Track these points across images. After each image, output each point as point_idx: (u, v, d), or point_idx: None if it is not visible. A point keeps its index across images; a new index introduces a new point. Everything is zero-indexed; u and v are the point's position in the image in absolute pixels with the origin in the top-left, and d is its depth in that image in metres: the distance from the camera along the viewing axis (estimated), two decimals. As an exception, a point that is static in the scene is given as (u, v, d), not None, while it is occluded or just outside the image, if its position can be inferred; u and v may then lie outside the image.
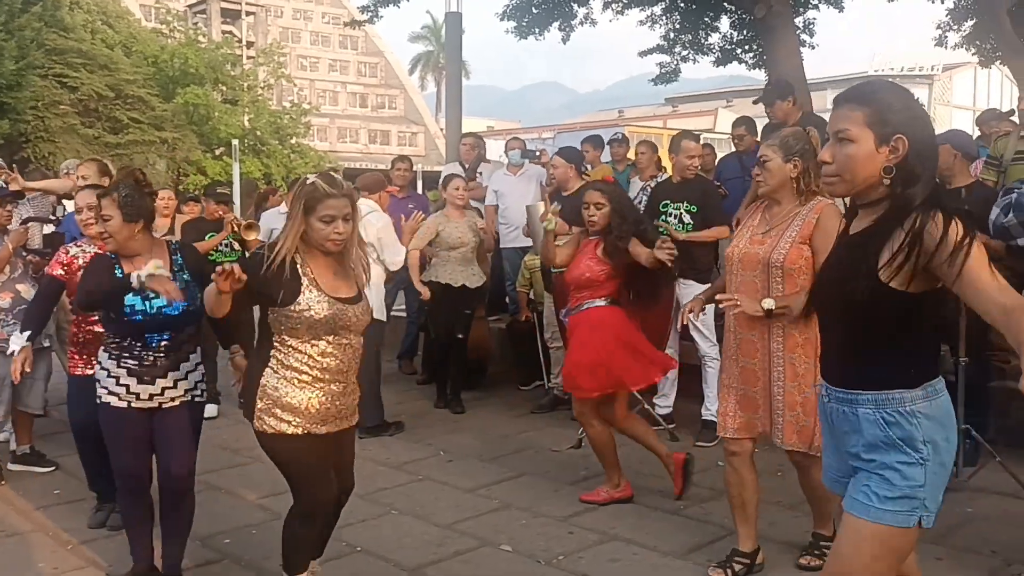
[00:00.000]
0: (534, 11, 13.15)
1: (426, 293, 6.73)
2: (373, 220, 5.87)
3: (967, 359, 4.70)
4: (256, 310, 3.19)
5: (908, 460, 2.11)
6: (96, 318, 4.00)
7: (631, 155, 9.16)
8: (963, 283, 2.00)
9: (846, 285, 2.15)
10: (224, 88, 32.82)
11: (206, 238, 6.66)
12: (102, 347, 3.67)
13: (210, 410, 6.65)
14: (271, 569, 3.82)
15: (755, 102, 7.00)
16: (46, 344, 5.37)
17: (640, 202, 6.93)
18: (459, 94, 11.91)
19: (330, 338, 3.10)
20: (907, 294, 2.07)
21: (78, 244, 4.39)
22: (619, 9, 13.34)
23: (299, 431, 3.09)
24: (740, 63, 13.87)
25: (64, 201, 6.53)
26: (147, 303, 3.50)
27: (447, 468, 5.40)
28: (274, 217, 7.45)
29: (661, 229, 5.84)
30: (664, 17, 13.64)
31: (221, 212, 6.80)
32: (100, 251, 3.94)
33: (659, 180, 6.50)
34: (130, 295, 3.46)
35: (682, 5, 13.32)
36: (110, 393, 3.56)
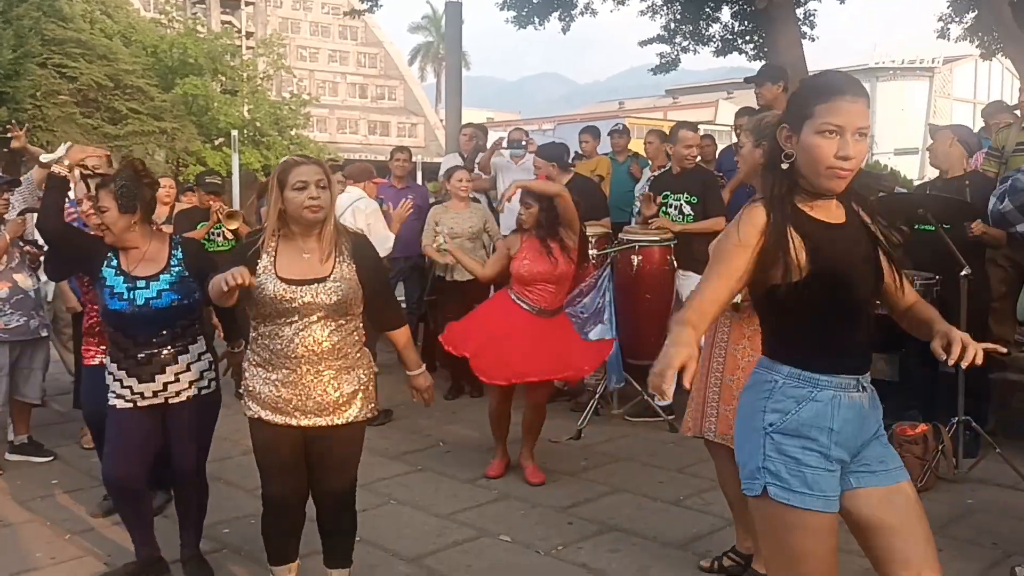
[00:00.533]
0: (534, 1, 13.11)
1: (438, 255, 6.59)
2: (362, 207, 5.86)
3: (967, 350, 4.67)
4: None
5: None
6: None
7: (632, 146, 9.14)
8: None
9: (872, 275, 2.21)
10: (223, 79, 32.74)
11: (197, 227, 6.67)
12: (107, 351, 3.68)
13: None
14: (270, 559, 3.82)
15: (746, 80, 6.96)
16: (44, 334, 5.36)
17: (642, 192, 6.93)
18: (459, 85, 11.86)
19: (281, 320, 3.01)
20: None
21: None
22: (620, -1, 13.30)
23: (256, 416, 3.11)
24: (741, 54, 13.83)
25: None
26: (132, 293, 3.46)
27: (446, 459, 5.40)
28: None
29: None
30: (665, 7, 13.60)
31: (210, 202, 6.80)
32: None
33: (661, 171, 6.48)
34: (110, 273, 3.49)
35: (683, -5, 13.30)
36: (116, 396, 3.56)
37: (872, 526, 2.18)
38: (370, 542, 4.06)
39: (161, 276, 3.53)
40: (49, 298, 6.24)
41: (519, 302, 4.85)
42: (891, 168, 14.39)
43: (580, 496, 4.66)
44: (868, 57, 44.55)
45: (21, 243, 5.27)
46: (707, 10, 13.41)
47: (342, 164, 8.96)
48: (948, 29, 14.26)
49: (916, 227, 5.04)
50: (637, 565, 3.80)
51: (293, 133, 34.48)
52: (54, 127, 24.58)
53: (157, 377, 3.53)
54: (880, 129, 27.79)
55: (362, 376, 3.18)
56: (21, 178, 5.69)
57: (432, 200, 8.32)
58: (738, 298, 3.25)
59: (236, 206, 7.24)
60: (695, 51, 14.05)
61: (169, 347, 3.53)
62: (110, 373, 3.58)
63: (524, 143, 7.56)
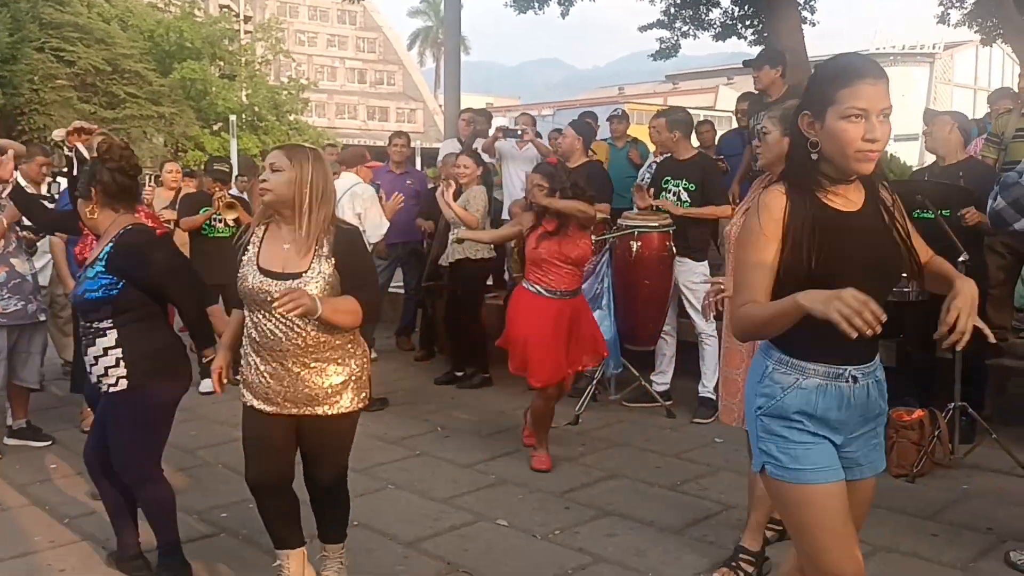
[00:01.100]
0: (533, -16, 13.06)
1: (458, 213, 6.55)
2: (359, 191, 5.85)
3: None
4: None
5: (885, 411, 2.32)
6: None
7: (632, 132, 9.12)
8: None
9: (892, 262, 2.20)
10: (222, 63, 32.66)
11: (200, 212, 6.66)
12: None
13: (206, 385, 6.68)
14: (267, 543, 3.81)
15: (744, 64, 6.93)
16: (43, 319, 5.36)
17: (644, 179, 6.92)
18: (458, 70, 11.81)
19: (263, 313, 3.00)
20: None
21: None
22: (619, -16, 13.25)
23: (250, 405, 3.14)
24: (741, 39, 13.77)
25: (59, 179, 6.50)
26: (82, 280, 3.45)
27: (444, 443, 5.41)
28: None
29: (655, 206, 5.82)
30: (665, -8, 13.56)
31: (217, 188, 6.79)
32: None
33: (665, 157, 6.46)
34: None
35: (683, -21, 13.25)
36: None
37: None
38: (368, 526, 4.07)
39: (95, 265, 3.44)
40: (45, 283, 6.25)
41: (539, 292, 4.72)
42: (891, 154, 14.34)
43: (577, 481, 4.67)
44: (868, 43, 44.43)
45: (17, 228, 5.26)
46: (707, -5, 13.37)
47: (342, 150, 8.95)
48: (948, 14, 14.21)
49: (915, 214, 5.04)
50: (634, 549, 3.82)
51: (292, 118, 34.42)
52: (51, 111, 24.54)
53: (91, 367, 3.48)
54: (880, 115, 27.69)
55: (354, 366, 3.13)
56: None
57: (430, 185, 8.31)
58: None
59: (234, 191, 7.22)
60: (695, 36, 14.00)
61: (87, 339, 3.45)
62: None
63: (520, 131, 7.55)
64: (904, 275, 2.30)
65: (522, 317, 4.75)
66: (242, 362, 3.16)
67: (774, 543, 3.71)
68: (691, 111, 6.84)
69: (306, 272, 2.96)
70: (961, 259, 4.57)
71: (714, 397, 5.82)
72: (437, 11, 54.80)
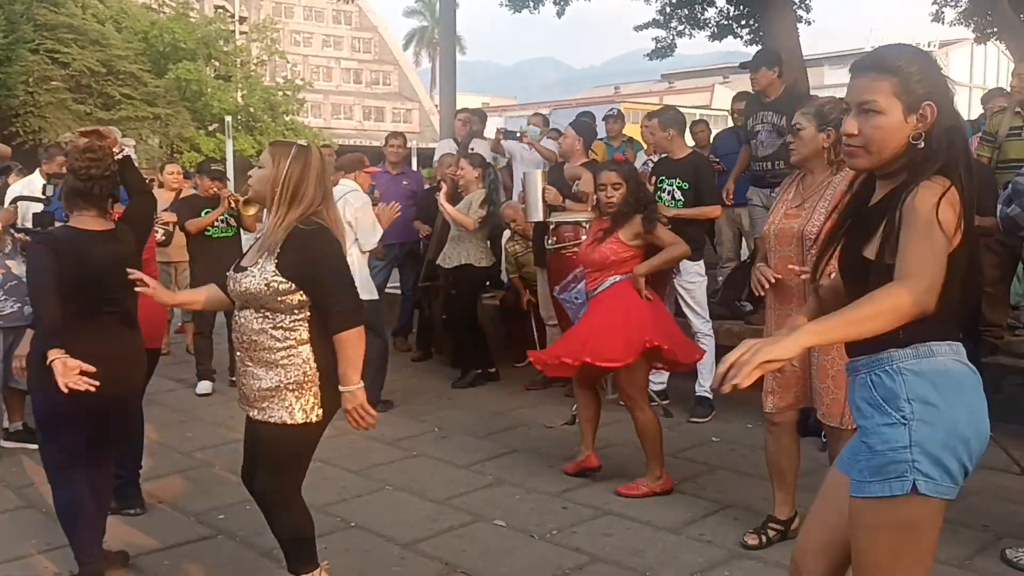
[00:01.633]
0: (528, -16, 13.05)
1: (453, 215, 6.55)
2: (352, 199, 5.86)
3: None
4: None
5: (889, 421, 2.00)
6: None
7: (627, 131, 9.12)
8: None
9: (853, 256, 2.13)
10: (217, 64, 32.62)
11: (202, 214, 6.63)
12: None
13: (204, 387, 6.69)
14: (265, 544, 3.83)
15: (741, 65, 6.93)
16: (38, 321, 5.35)
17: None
18: (454, 70, 11.80)
19: (236, 306, 3.07)
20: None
21: None
22: (614, -17, 13.25)
23: None
24: (736, 38, 13.78)
25: (55, 181, 6.47)
26: None
27: (441, 444, 5.41)
28: None
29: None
30: (660, -9, 13.56)
31: (216, 188, 6.75)
32: None
33: (662, 156, 6.47)
34: None
35: (678, -22, 13.25)
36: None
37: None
38: (365, 527, 4.07)
39: None
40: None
41: (616, 279, 4.53)
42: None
43: (574, 481, 4.67)
44: (864, 41, 44.44)
45: (13, 230, 5.25)
46: (702, -6, 13.38)
47: (338, 150, 8.94)
48: (943, 13, 14.24)
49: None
50: (631, 549, 3.82)
51: (288, 119, 34.38)
52: (46, 113, 24.50)
53: None
54: (876, 113, 27.74)
55: (290, 376, 2.94)
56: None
57: (427, 186, 8.31)
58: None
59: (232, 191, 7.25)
60: (690, 35, 14.00)
61: None
62: None
63: (518, 133, 7.57)
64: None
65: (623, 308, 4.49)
66: None
67: (776, 542, 3.72)
68: (687, 110, 6.86)
69: (249, 267, 2.98)
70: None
71: (711, 396, 5.83)
72: (432, 11, 54.78)
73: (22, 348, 3.77)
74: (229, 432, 5.56)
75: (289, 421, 2.94)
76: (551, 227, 6.03)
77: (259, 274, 2.92)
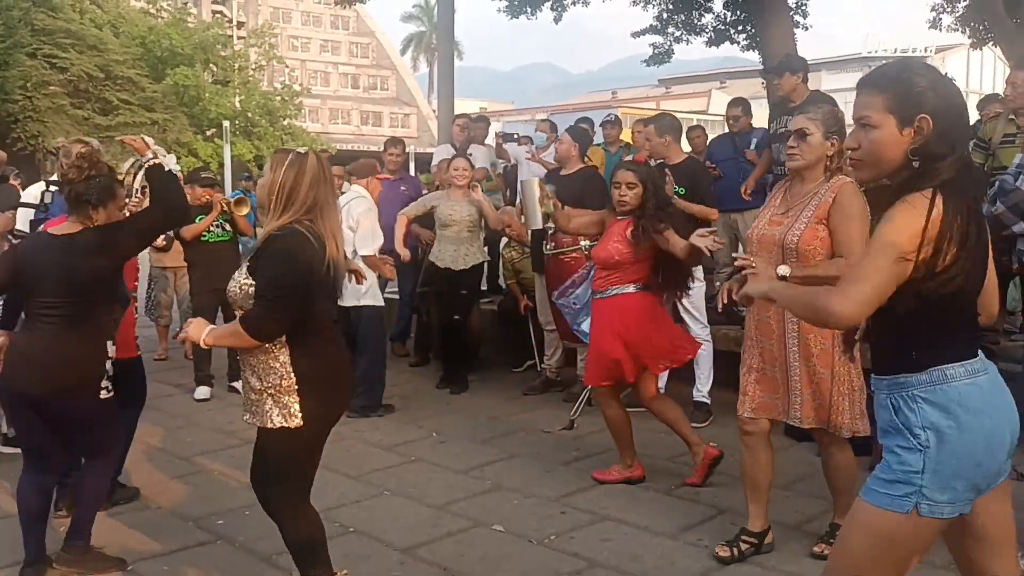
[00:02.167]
0: (525, -11, 13.06)
1: (405, 255, 6.69)
2: (355, 205, 5.89)
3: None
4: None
5: (907, 445, 2.09)
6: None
7: (624, 136, 9.15)
8: None
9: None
10: (215, 69, 32.64)
11: (196, 220, 6.64)
12: (110, 339, 3.67)
13: (202, 392, 6.69)
14: (264, 550, 3.84)
15: (764, 73, 6.95)
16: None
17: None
18: (451, 75, 11.84)
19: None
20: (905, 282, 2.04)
21: None
22: (610, -11, 13.25)
23: None
24: (733, 43, 13.81)
25: (52, 187, 6.48)
26: None
27: (439, 449, 5.42)
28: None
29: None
30: (657, -3, 13.59)
31: (208, 196, 6.77)
32: None
33: (658, 163, 6.48)
34: None
35: (675, -15, 13.27)
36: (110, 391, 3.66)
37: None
38: (364, 532, 4.08)
39: None
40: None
41: (622, 289, 4.56)
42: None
43: (572, 486, 4.68)
44: (860, 47, 44.60)
45: (11, 237, 5.25)
46: (699, 0, 13.40)
47: (336, 155, 8.94)
48: (940, 19, 14.28)
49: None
50: (629, 554, 3.83)
51: (285, 123, 34.40)
52: (44, 118, 24.50)
53: None
54: (872, 118, 27.80)
55: (269, 381, 2.94)
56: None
57: (424, 191, 8.33)
58: (785, 270, 2.95)
59: (229, 196, 7.26)
60: (688, 41, 14.02)
61: None
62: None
63: (515, 136, 7.59)
64: None
65: (635, 316, 4.57)
66: None
67: (748, 556, 3.71)
68: (684, 115, 6.88)
69: (237, 272, 3.02)
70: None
71: (708, 401, 5.85)
72: (430, 16, 54.88)
73: None
74: (228, 437, 5.57)
75: (269, 426, 2.96)
76: (549, 232, 6.05)
77: (238, 277, 2.98)
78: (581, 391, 6.00)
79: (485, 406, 6.43)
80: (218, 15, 41.92)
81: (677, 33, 13.88)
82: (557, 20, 13.76)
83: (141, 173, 3.68)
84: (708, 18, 13.76)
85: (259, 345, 2.91)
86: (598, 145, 8.69)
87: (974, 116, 7.74)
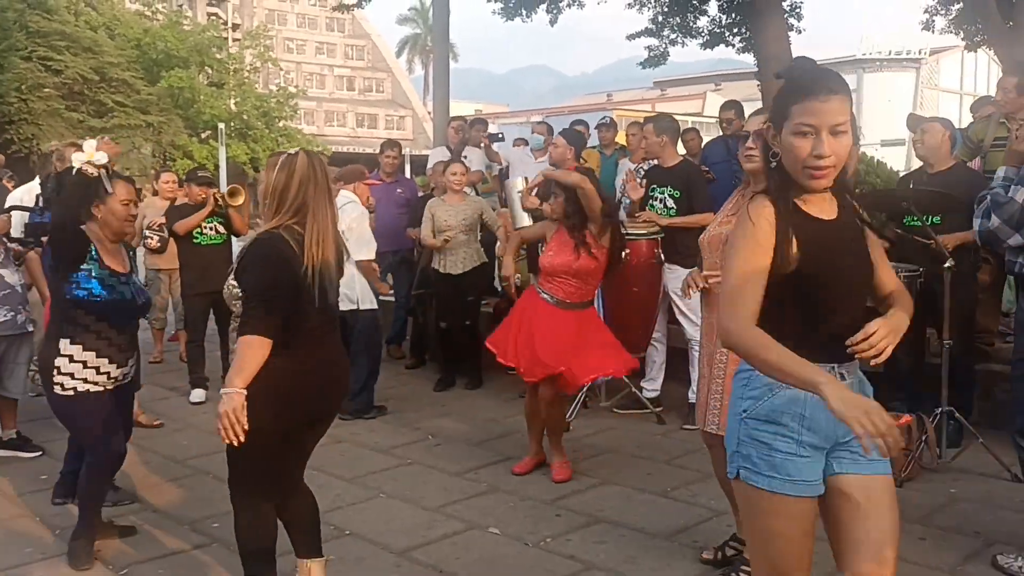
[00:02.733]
0: (520, -7, 13.08)
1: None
2: (348, 210, 5.90)
3: (951, 341, 4.73)
4: None
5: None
6: None
7: (619, 139, 9.16)
8: None
9: (861, 269, 2.27)
10: (210, 71, 32.58)
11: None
12: (66, 338, 3.71)
13: (197, 395, 6.68)
14: (259, 553, 3.83)
15: (777, 76, 6.95)
16: (30, 329, 5.35)
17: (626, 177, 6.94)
18: (447, 77, 11.85)
19: None
20: None
21: None
22: (606, -8, 13.29)
23: None
24: (728, 46, 13.83)
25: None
26: (121, 287, 3.77)
27: (435, 452, 5.42)
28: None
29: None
30: (652, 0, 13.60)
31: (204, 194, 6.72)
32: None
33: (652, 164, 6.50)
34: (94, 266, 3.73)
35: (670, -12, 13.29)
36: (88, 382, 3.72)
37: (843, 509, 2.22)
38: (359, 535, 4.08)
39: (131, 275, 3.90)
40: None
41: (542, 294, 4.82)
42: (878, 159, 14.42)
43: (568, 488, 4.68)
44: (855, 48, 44.67)
45: (6, 239, 5.25)
46: (694, 3, 13.41)
47: (331, 157, 8.94)
48: (933, 21, 14.30)
49: (905, 221, 5.08)
50: (624, 556, 3.83)
51: (281, 125, 34.34)
52: (39, 121, 24.42)
53: (129, 361, 3.90)
54: (867, 120, 27.83)
55: (262, 375, 2.92)
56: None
57: (420, 193, 8.34)
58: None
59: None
60: (683, 43, 14.05)
61: (135, 337, 3.94)
62: (80, 362, 3.71)
63: (500, 134, 7.62)
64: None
65: (527, 315, 4.83)
66: None
67: (734, 560, 3.70)
68: (679, 117, 6.87)
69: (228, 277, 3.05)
70: (947, 265, 4.61)
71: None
72: (425, 18, 54.79)
73: None
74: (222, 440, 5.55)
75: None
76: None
77: (229, 278, 3.02)
78: (576, 393, 5.99)
79: (480, 408, 6.43)
80: (213, 17, 41.84)
81: (672, 36, 13.90)
82: (552, 22, 13.78)
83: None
84: (703, 21, 13.79)
85: (265, 355, 2.88)
86: (593, 147, 8.70)
87: (967, 118, 7.76)
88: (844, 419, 1.91)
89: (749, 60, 13.36)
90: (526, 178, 6.45)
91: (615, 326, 5.87)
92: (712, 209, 6.04)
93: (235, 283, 2.96)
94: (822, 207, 2.22)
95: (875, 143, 28.65)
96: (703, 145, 8.57)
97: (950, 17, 13.99)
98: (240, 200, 6.55)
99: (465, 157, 8.09)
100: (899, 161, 20.66)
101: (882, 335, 2.11)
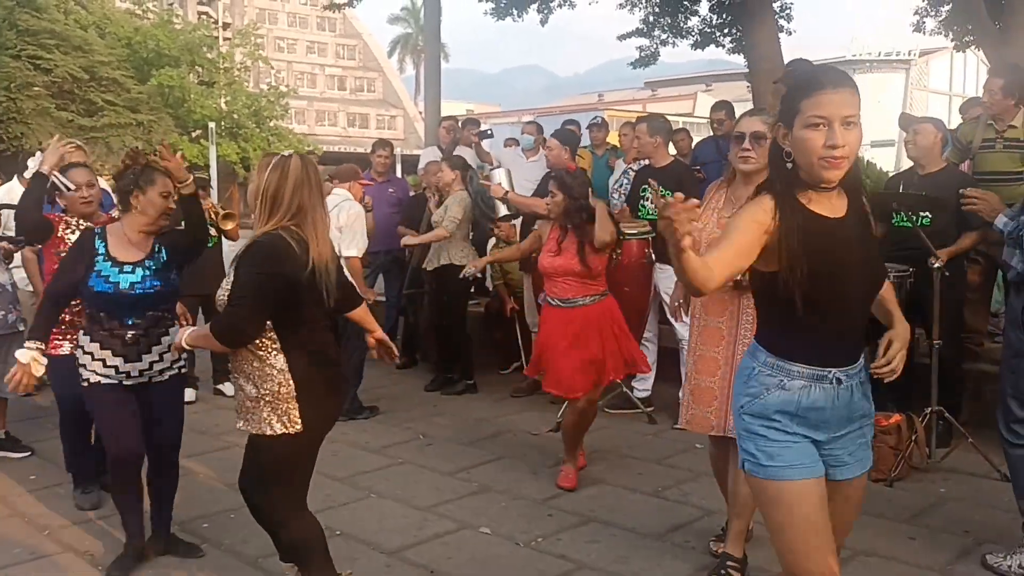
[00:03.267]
0: (511, -8, 13.08)
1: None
2: (346, 208, 5.90)
3: (941, 342, 4.75)
4: None
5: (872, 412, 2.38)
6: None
7: (611, 139, 9.16)
8: None
9: (879, 268, 2.33)
10: (200, 70, 32.49)
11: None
12: (82, 331, 3.71)
13: (187, 395, 6.65)
14: (249, 553, 3.83)
15: (776, 83, 6.97)
16: (21, 328, 5.32)
17: (621, 185, 6.96)
18: (438, 77, 11.87)
19: None
20: None
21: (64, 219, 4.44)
22: (597, -9, 13.28)
23: None
24: (719, 47, 13.87)
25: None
26: (118, 277, 3.62)
27: (426, 452, 5.41)
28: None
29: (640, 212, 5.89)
30: (643, 1, 13.62)
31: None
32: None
33: (643, 164, 6.51)
34: (99, 258, 3.62)
35: (661, -12, 13.31)
36: (98, 374, 3.62)
37: None
38: (351, 535, 4.07)
39: (145, 262, 3.68)
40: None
41: (548, 301, 4.74)
42: (868, 160, 14.48)
43: (559, 488, 4.68)
44: (845, 50, 44.79)
45: (-4, 238, 5.23)
46: (685, 3, 13.44)
47: (322, 157, 8.92)
48: (923, 23, 14.36)
49: (895, 222, 5.09)
50: (616, 556, 3.84)
51: (272, 125, 34.29)
52: (29, 120, 24.31)
53: (143, 357, 3.67)
54: (857, 121, 27.95)
55: (266, 387, 2.95)
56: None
57: (412, 193, 8.33)
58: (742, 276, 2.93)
59: (215, 198, 7.19)
60: (674, 44, 14.07)
61: (154, 328, 3.69)
62: (88, 353, 3.64)
63: (489, 130, 7.64)
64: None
65: (542, 328, 4.79)
66: None
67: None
68: (670, 118, 6.88)
69: (225, 280, 3.02)
70: (936, 265, 4.63)
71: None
72: (417, 18, 54.77)
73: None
74: (213, 440, 5.55)
75: (268, 432, 2.96)
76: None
77: (225, 284, 2.97)
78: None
79: (472, 408, 6.43)
80: (204, 16, 41.73)
81: (663, 36, 13.93)
82: (543, 22, 13.78)
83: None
84: (694, 21, 13.81)
85: (226, 349, 2.95)
86: (584, 147, 8.70)
87: (956, 119, 7.80)
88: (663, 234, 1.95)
89: (740, 61, 13.39)
90: (508, 171, 6.47)
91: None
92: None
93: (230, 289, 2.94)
94: (831, 205, 2.24)
95: (865, 144, 28.80)
96: (694, 145, 8.58)
97: (940, 18, 14.05)
98: (231, 225, 6.50)
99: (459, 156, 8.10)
100: (889, 162, 20.74)
101: (898, 351, 2.33)
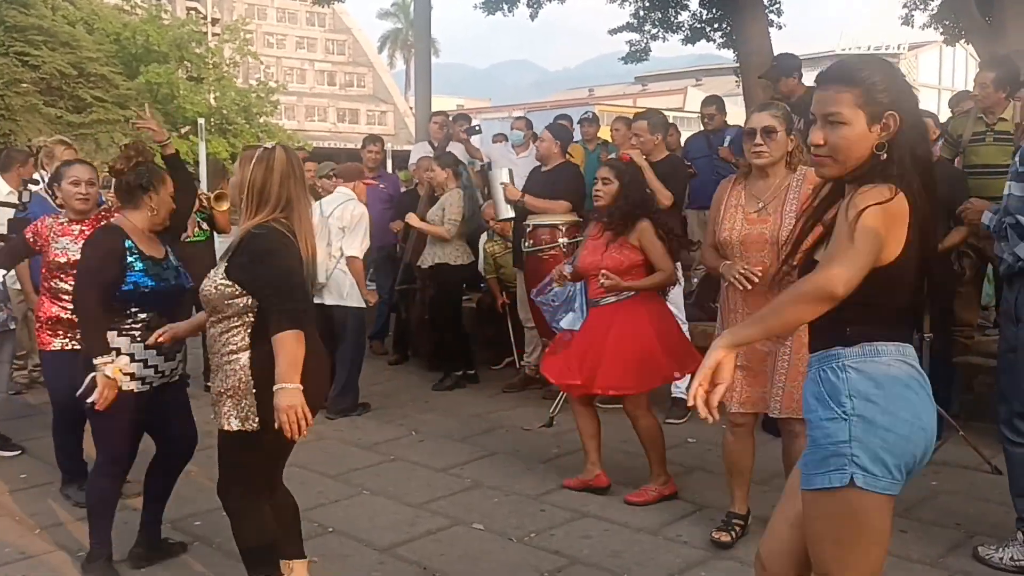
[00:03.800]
0: (502, -14, 13.08)
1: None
2: (351, 207, 5.91)
3: (931, 335, 4.76)
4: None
5: (831, 416, 2.09)
6: (67, 296, 4.03)
7: (602, 134, 9.15)
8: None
9: (810, 260, 2.23)
10: (189, 65, 32.34)
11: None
12: (117, 333, 3.52)
13: (182, 392, 6.63)
14: (242, 551, 3.81)
15: (760, 77, 6.99)
16: (12, 327, 5.29)
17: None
18: (428, 72, 11.81)
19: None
20: None
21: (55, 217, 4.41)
22: (588, -14, 13.31)
23: None
24: (709, 41, 13.89)
25: (30, 185, 6.41)
26: (165, 273, 3.62)
27: (419, 448, 5.41)
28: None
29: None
30: (633, -5, 13.65)
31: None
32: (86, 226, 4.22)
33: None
34: (135, 258, 3.53)
35: (651, -18, 13.33)
36: (134, 379, 3.52)
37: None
38: (343, 532, 4.06)
39: (168, 258, 3.69)
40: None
41: (595, 303, 4.50)
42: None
43: (553, 483, 4.68)
44: (834, 44, 44.87)
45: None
46: (676, -3, 13.48)
47: (312, 152, 8.90)
48: (912, 16, 14.41)
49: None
50: (609, 551, 3.84)
51: (261, 120, 34.16)
52: (17, 117, 24.14)
53: (176, 355, 3.68)
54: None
55: (229, 382, 2.92)
56: None
57: (403, 189, 8.31)
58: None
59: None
60: (664, 38, 14.10)
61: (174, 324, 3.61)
62: (128, 354, 3.50)
63: (477, 126, 7.64)
64: None
65: (586, 335, 4.50)
66: None
67: (741, 537, 3.75)
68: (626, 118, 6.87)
69: (212, 271, 2.98)
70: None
71: (686, 397, 5.85)
72: (407, 13, 54.65)
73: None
74: (204, 437, 5.49)
75: (226, 427, 2.95)
76: (527, 229, 6.06)
77: (213, 276, 2.94)
78: (559, 388, 5.99)
79: (464, 404, 6.42)
80: (192, 11, 41.53)
81: (654, 31, 13.95)
82: (533, 17, 13.80)
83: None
84: (684, 16, 13.85)
85: (303, 349, 2.83)
86: (576, 142, 8.70)
87: (946, 113, 7.82)
88: None
89: (730, 55, 13.42)
90: (511, 170, 6.44)
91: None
92: (687, 203, 6.02)
93: (227, 281, 2.89)
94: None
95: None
96: (684, 140, 8.58)
97: (929, 12, 14.10)
98: (225, 205, 6.49)
99: (449, 152, 8.08)
100: (879, 155, 20.78)
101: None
